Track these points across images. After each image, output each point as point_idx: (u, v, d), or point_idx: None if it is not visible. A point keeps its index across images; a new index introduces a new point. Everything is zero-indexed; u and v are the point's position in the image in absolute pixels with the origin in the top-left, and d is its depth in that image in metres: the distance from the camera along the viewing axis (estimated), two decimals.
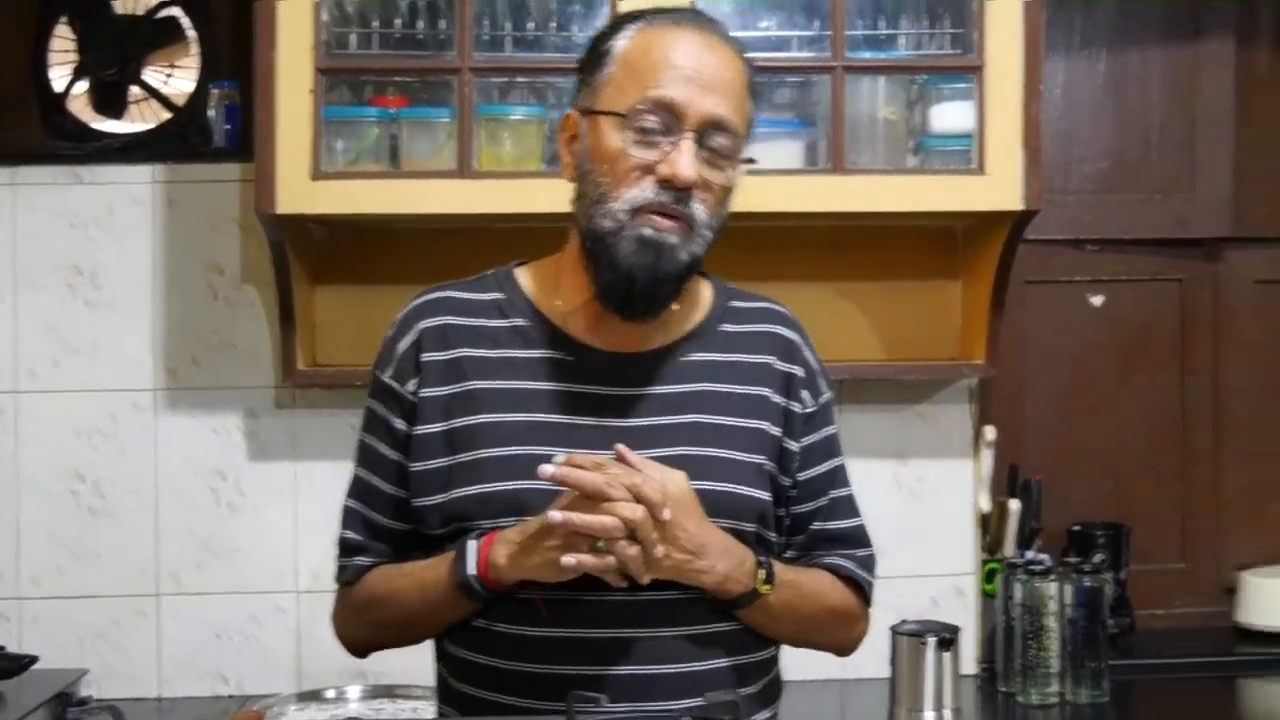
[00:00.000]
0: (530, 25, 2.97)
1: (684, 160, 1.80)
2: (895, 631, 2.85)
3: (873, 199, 2.94)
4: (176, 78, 3.27)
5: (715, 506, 1.83)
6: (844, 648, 2.06)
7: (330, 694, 3.01)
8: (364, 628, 1.99)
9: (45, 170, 3.17)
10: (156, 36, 3.25)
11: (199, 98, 3.25)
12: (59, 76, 3.25)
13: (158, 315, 3.18)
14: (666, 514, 1.73)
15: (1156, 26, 3.45)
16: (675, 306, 1.91)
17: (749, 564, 1.85)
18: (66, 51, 3.24)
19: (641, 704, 1.78)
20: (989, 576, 3.26)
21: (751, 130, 1.91)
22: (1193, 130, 3.47)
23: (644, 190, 1.81)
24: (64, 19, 3.24)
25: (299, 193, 2.84)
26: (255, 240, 3.10)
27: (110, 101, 3.25)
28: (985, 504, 3.29)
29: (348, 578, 1.98)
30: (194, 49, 3.26)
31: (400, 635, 1.97)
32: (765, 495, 1.90)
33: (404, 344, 1.94)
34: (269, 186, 2.83)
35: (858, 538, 2.04)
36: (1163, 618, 3.48)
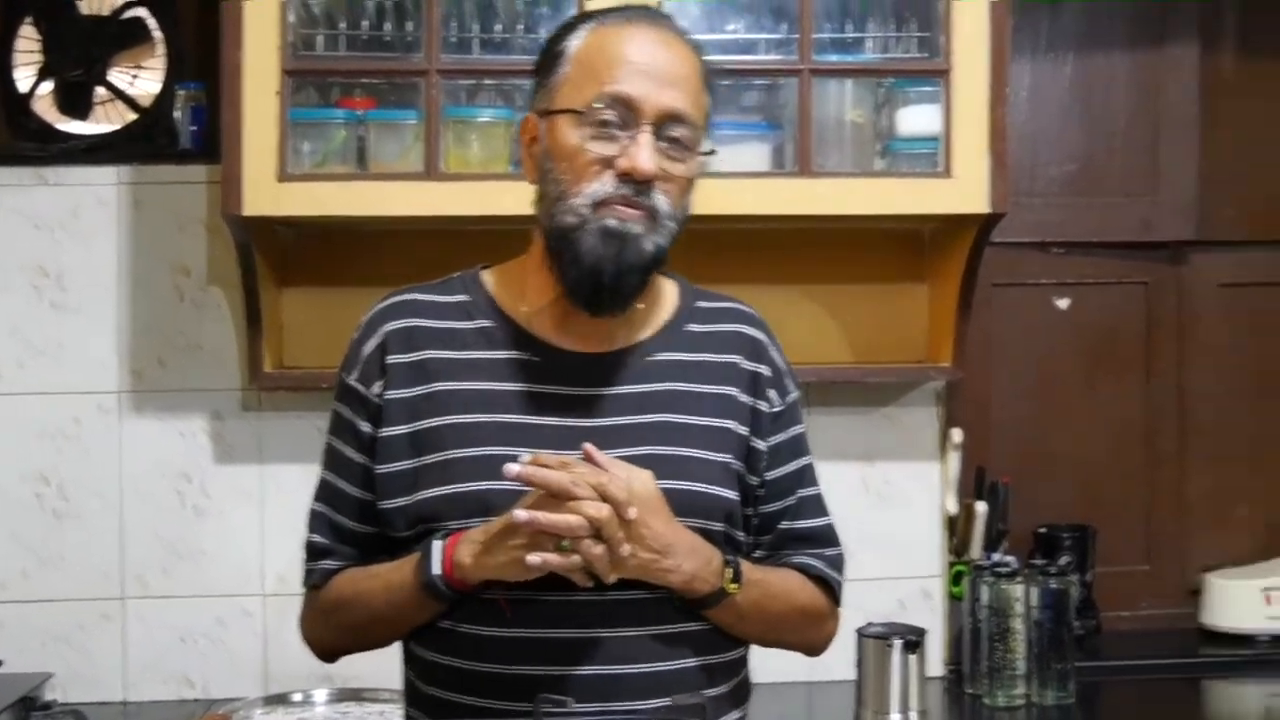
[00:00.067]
0: (498, 27, 2.97)
1: (643, 153, 1.80)
2: (862, 634, 2.86)
3: (840, 202, 2.94)
4: (142, 79, 3.26)
5: (682, 506, 1.83)
6: (814, 647, 2.07)
7: (297, 697, 3.00)
8: (331, 631, 1.98)
9: (10, 171, 3.15)
10: (122, 37, 3.24)
11: (165, 99, 3.23)
12: (24, 77, 3.23)
13: (123, 317, 3.16)
14: (632, 513, 1.73)
15: (1122, 30, 3.47)
16: (641, 305, 1.91)
17: (716, 563, 1.85)
18: (31, 52, 3.22)
19: (608, 704, 1.78)
20: (956, 579, 3.26)
21: (710, 122, 1.92)
22: (1158, 134, 3.49)
23: (604, 184, 1.81)
24: (29, 19, 3.22)
25: (265, 194, 2.83)
26: (222, 242, 3.08)
27: (75, 102, 3.23)
28: (952, 506, 3.30)
29: (314, 581, 1.97)
30: (160, 50, 3.25)
31: (367, 638, 1.97)
32: (733, 494, 1.90)
33: (369, 346, 1.94)
34: (235, 188, 2.82)
35: (826, 537, 2.04)
36: (1128, 619, 3.49)
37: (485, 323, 1.94)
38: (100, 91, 3.24)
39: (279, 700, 3.00)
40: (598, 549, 1.73)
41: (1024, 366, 3.50)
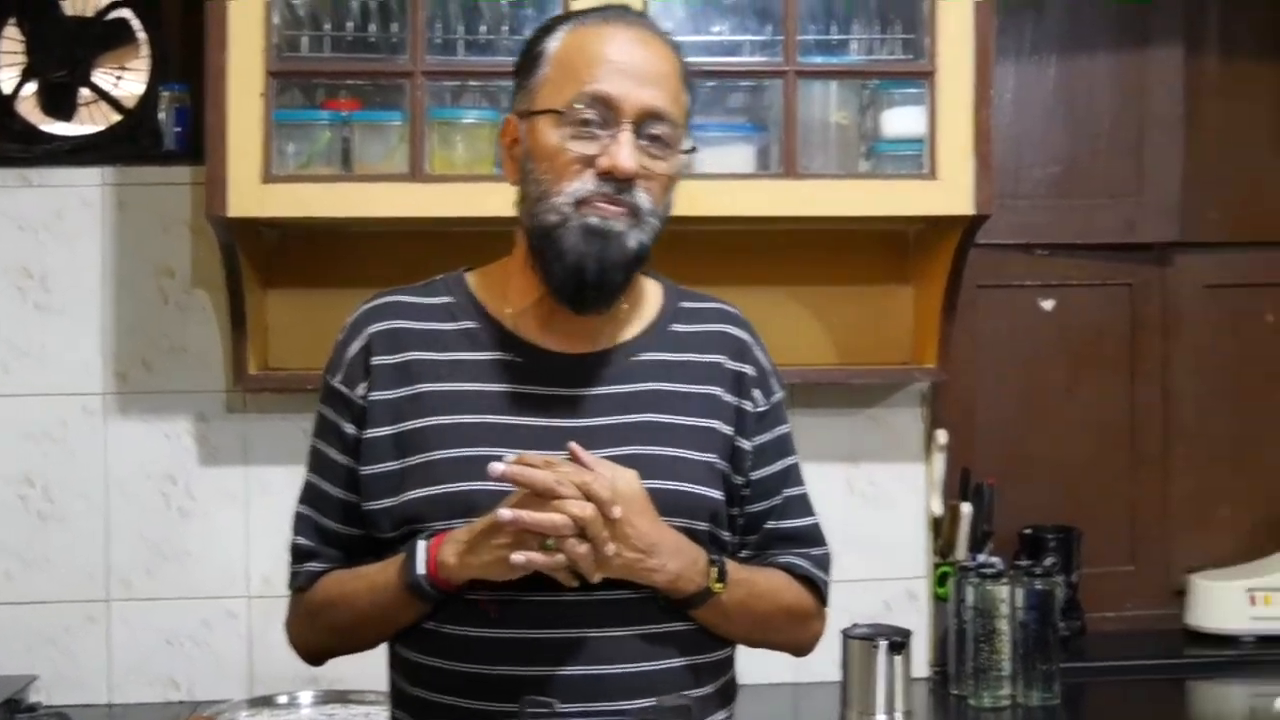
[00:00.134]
0: (482, 29, 2.97)
1: (624, 152, 1.81)
2: (847, 635, 2.87)
3: (825, 203, 2.94)
4: (126, 80, 3.25)
5: (668, 505, 1.83)
6: (800, 647, 2.07)
7: (282, 699, 3.00)
8: (317, 633, 1.98)
9: None
10: (106, 38, 3.23)
11: (149, 100, 3.22)
12: (7, 78, 3.22)
13: (108, 319, 3.16)
14: (617, 512, 1.73)
15: (1106, 32, 3.48)
16: (625, 305, 1.92)
17: (701, 563, 1.85)
18: (15, 53, 3.21)
19: (593, 705, 1.78)
20: (941, 580, 3.26)
21: (690, 119, 1.93)
22: (1142, 135, 3.50)
23: (585, 183, 1.82)
24: (12, 20, 3.21)
25: (250, 196, 2.82)
26: (206, 243, 3.08)
27: (59, 103, 3.23)
28: (937, 508, 3.30)
29: (300, 584, 1.97)
30: (144, 51, 3.24)
31: (353, 640, 1.96)
32: (718, 494, 1.90)
33: (353, 348, 1.94)
34: (220, 189, 2.81)
35: (812, 536, 2.04)
36: (1113, 620, 3.50)
37: (469, 324, 1.94)
38: (84, 93, 3.23)
39: (264, 702, 2.99)
40: (582, 548, 1.72)
41: (1009, 368, 3.51)
